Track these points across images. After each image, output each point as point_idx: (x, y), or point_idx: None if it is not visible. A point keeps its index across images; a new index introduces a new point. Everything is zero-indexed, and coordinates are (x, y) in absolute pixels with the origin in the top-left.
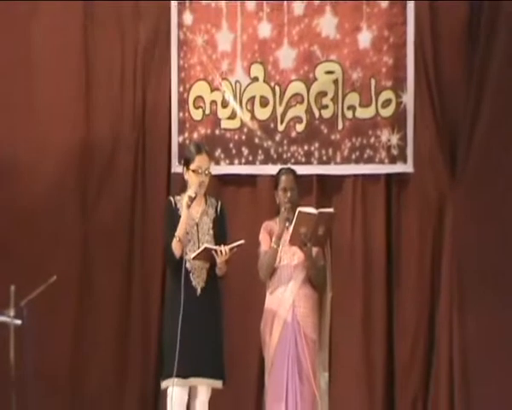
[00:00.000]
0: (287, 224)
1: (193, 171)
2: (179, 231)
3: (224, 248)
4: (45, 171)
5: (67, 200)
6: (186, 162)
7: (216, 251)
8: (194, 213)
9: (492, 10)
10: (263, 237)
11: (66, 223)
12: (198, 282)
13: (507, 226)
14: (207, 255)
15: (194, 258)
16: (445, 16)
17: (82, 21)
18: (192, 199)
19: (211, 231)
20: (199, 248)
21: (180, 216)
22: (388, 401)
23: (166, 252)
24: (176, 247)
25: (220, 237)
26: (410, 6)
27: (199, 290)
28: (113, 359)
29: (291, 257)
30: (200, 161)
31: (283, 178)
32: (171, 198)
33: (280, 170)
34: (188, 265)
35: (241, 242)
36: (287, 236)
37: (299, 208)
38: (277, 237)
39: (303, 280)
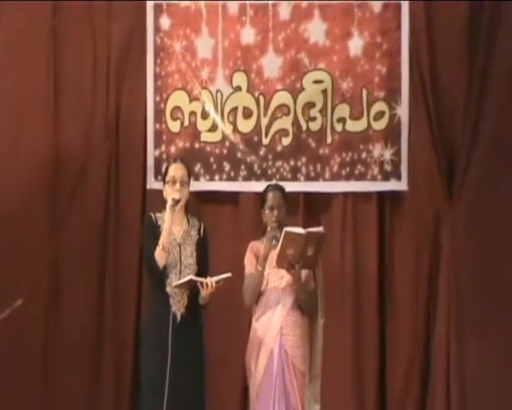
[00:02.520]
0: (273, 242)
1: (167, 183)
2: (163, 239)
3: (211, 281)
4: (11, 185)
5: (35, 215)
6: (164, 178)
7: (201, 283)
8: (176, 232)
9: (493, 16)
10: (248, 258)
11: (33, 241)
12: (178, 308)
13: (507, 247)
14: (191, 285)
15: (176, 286)
16: (442, 22)
17: (51, 23)
18: (177, 202)
19: (194, 254)
20: (181, 271)
21: (161, 233)
22: None
23: (148, 265)
24: (159, 256)
25: (203, 262)
26: (405, 10)
27: (179, 317)
28: (84, 390)
29: (278, 280)
30: (173, 170)
31: (270, 195)
32: (152, 214)
33: (267, 187)
34: (168, 289)
35: (228, 275)
36: (274, 257)
37: (286, 228)
38: (263, 259)
39: (291, 305)
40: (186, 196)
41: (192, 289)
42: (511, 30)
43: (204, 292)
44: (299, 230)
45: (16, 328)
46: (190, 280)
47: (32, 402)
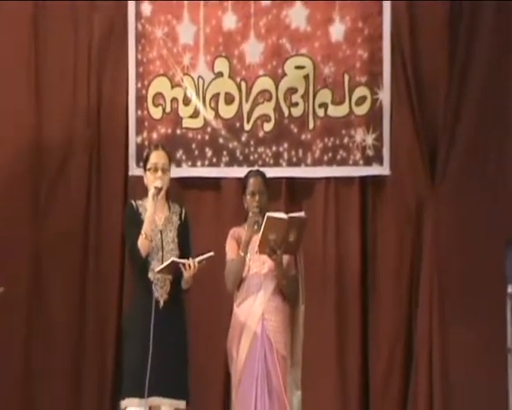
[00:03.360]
0: (255, 227)
1: (149, 170)
2: (146, 228)
3: (193, 262)
4: None
5: (16, 204)
6: (144, 165)
7: (184, 265)
8: (157, 219)
9: (474, 1)
10: (230, 244)
11: (15, 229)
12: (161, 294)
13: (490, 234)
14: (173, 269)
15: (158, 272)
16: (424, 6)
17: (31, 10)
18: (159, 190)
19: (176, 240)
20: (163, 257)
21: (143, 221)
22: None
23: (131, 254)
24: (142, 244)
25: (185, 246)
26: None
27: (162, 303)
28: (67, 376)
29: (260, 266)
30: (155, 158)
31: (251, 181)
32: (133, 202)
33: (248, 172)
34: (150, 275)
35: (211, 254)
36: (255, 242)
37: (268, 214)
38: (245, 244)
39: (273, 291)
40: (167, 183)
41: (175, 272)
42: (492, 13)
43: (187, 274)
44: (281, 215)
45: None
46: (173, 263)
47: (14, 391)
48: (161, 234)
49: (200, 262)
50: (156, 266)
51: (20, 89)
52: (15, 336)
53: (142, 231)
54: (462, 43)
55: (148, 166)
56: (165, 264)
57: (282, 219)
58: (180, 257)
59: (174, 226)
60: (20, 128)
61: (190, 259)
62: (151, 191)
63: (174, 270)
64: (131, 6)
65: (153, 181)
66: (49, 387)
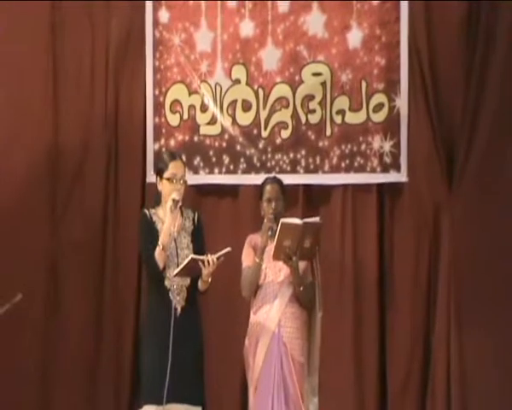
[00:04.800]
0: (269, 233)
1: (167, 179)
2: (163, 240)
3: (212, 258)
4: (10, 176)
5: (34, 210)
6: (159, 172)
7: (203, 262)
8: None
9: (492, 7)
10: (246, 251)
11: (32, 236)
12: (178, 301)
13: (507, 238)
14: (191, 268)
15: (177, 274)
16: (441, 13)
17: (49, 18)
18: (177, 202)
19: (190, 246)
20: (178, 264)
21: (157, 230)
22: None
23: (147, 264)
24: (160, 256)
25: (199, 249)
26: (404, 2)
27: (179, 310)
28: (84, 379)
29: (276, 273)
30: (174, 168)
31: (268, 188)
32: (146, 211)
33: (265, 179)
34: (166, 283)
35: (228, 249)
36: (271, 249)
37: (282, 220)
38: (260, 251)
39: (290, 298)
40: (182, 192)
41: (193, 272)
42: (509, 21)
43: (205, 270)
44: (295, 220)
45: (15, 323)
46: (191, 261)
47: (31, 399)
48: (175, 242)
49: (218, 258)
50: (172, 273)
51: (37, 95)
52: (32, 343)
53: (160, 243)
54: (480, 50)
55: (168, 175)
56: (184, 263)
57: (296, 225)
58: None
59: (188, 232)
60: (37, 134)
61: (209, 255)
62: (169, 204)
63: (192, 270)
64: (149, 13)
65: (170, 191)
66: (65, 395)
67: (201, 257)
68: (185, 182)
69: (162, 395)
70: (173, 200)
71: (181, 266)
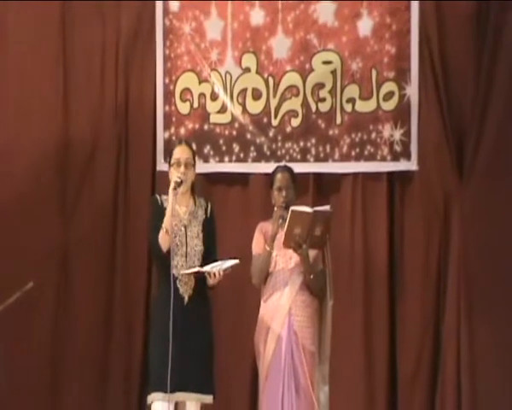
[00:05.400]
0: (280, 221)
1: (172, 165)
2: (166, 222)
3: (218, 271)
4: (21, 169)
5: (45, 201)
6: (169, 161)
7: (209, 274)
8: (181, 213)
9: None
10: (256, 239)
11: (43, 225)
12: (186, 290)
13: None
14: (197, 275)
15: (183, 275)
16: (451, 2)
17: (59, 8)
18: (179, 183)
19: (200, 235)
20: (187, 252)
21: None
22: None
23: (152, 247)
24: (162, 239)
25: (210, 242)
26: None
27: (186, 299)
28: (94, 371)
29: (287, 261)
30: (178, 153)
31: (279, 176)
32: (157, 196)
33: (276, 168)
34: (174, 271)
35: (236, 261)
36: (282, 237)
37: (292, 207)
38: (271, 239)
39: (300, 286)
40: (191, 177)
41: (199, 278)
42: None
43: (211, 281)
44: (305, 208)
45: (26, 311)
46: (197, 271)
47: (40, 391)
48: (185, 229)
49: (224, 271)
50: (180, 262)
51: (47, 86)
52: (43, 332)
53: (163, 226)
54: (490, 37)
55: (172, 161)
56: (190, 271)
57: (306, 213)
58: (204, 252)
59: (199, 221)
60: (48, 126)
61: (216, 268)
62: (171, 185)
63: (198, 276)
64: (159, 2)
65: (175, 176)
66: (76, 386)
67: (207, 270)
68: (190, 164)
69: (172, 384)
70: (175, 181)
71: (186, 272)
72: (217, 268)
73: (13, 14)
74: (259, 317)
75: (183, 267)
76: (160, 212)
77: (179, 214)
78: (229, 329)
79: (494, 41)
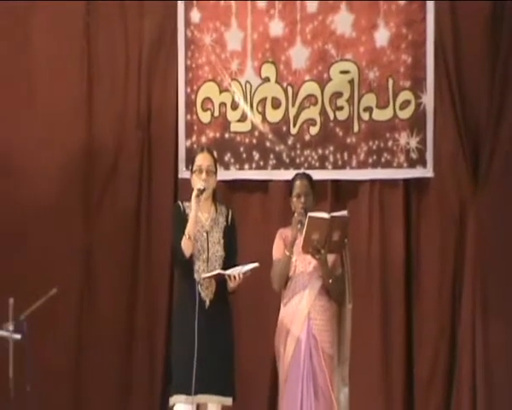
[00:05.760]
0: (299, 227)
1: (194, 172)
2: (189, 229)
3: (238, 274)
4: (47, 174)
5: (69, 207)
6: (191, 168)
7: (230, 276)
8: (203, 220)
9: None
10: (277, 244)
11: (67, 231)
12: (207, 294)
13: None
14: (218, 278)
15: (204, 278)
16: (466, 13)
17: (84, 19)
18: (201, 191)
19: (221, 241)
20: (208, 258)
21: (188, 221)
22: None
23: (175, 253)
24: (185, 245)
25: (230, 248)
26: (430, 2)
27: (207, 303)
28: (117, 375)
29: (306, 265)
30: (199, 160)
31: (298, 183)
32: (180, 203)
33: (295, 175)
34: (196, 276)
35: (256, 265)
36: (301, 242)
37: (310, 213)
38: (290, 245)
39: (319, 290)
40: (213, 184)
41: (220, 280)
42: None
43: (232, 284)
44: (322, 214)
45: (51, 316)
46: (217, 274)
47: (65, 388)
48: (207, 235)
49: (245, 274)
50: (201, 267)
51: (73, 94)
52: (67, 332)
53: (186, 232)
54: (504, 48)
55: (194, 168)
56: (211, 274)
57: (324, 219)
58: (225, 258)
59: (220, 228)
60: (73, 133)
61: (236, 271)
62: (194, 193)
63: (219, 279)
64: (181, 13)
65: (197, 183)
66: (99, 383)
67: (228, 272)
68: (211, 171)
69: (191, 386)
70: (198, 189)
71: (207, 275)
72: (237, 271)
73: (39, 26)
74: (279, 320)
75: (205, 272)
76: (182, 218)
77: (201, 221)
78: (250, 333)
79: (508, 51)
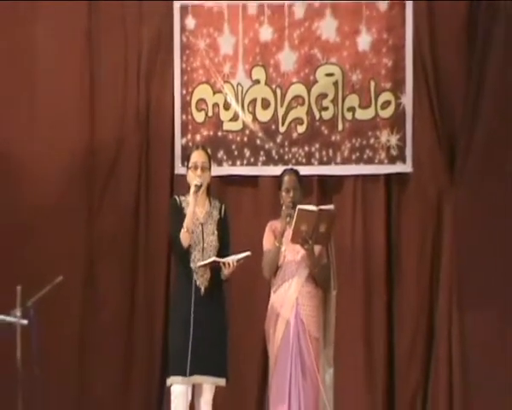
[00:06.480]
0: (288, 219)
1: (190, 168)
2: (187, 222)
3: (232, 261)
4: (50, 172)
5: (72, 201)
6: (187, 164)
7: (224, 263)
8: (198, 213)
9: (490, 11)
10: (267, 235)
11: (71, 224)
12: (202, 281)
13: (506, 225)
14: (213, 265)
15: (200, 266)
16: (443, 18)
17: (86, 24)
18: (199, 187)
19: (215, 232)
20: (203, 248)
21: (185, 215)
22: (389, 393)
23: (173, 244)
24: (184, 237)
25: (224, 239)
26: (409, 9)
27: (203, 290)
28: (119, 357)
29: (295, 254)
30: (195, 157)
31: (286, 178)
32: (176, 197)
33: (283, 171)
34: (192, 265)
35: (248, 253)
36: (290, 233)
37: (299, 206)
38: (280, 236)
39: (306, 278)
40: (207, 179)
41: (214, 268)
42: (507, 25)
43: (226, 271)
44: (311, 207)
45: (57, 304)
46: (213, 262)
47: (70, 371)
48: (202, 227)
49: (238, 261)
50: (197, 257)
51: (75, 95)
52: (71, 321)
53: (184, 225)
54: (479, 51)
55: (190, 164)
56: (207, 262)
57: (312, 211)
58: (219, 249)
59: (214, 220)
60: (75, 132)
61: (230, 257)
62: (192, 189)
63: (214, 266)
64: (177, 20)
65: (193, 179)
66: (101, 365)
67: (223, 260)
68: (206, 167)
69: (190, 368)
70: (195, 185)
71: (203, 263)
72: (231, 259)
73: (42, 31)
74: (270, 305)
75: (200, 261)
76: (179, 212)
77: (196, 214)
78: (242, 318)
79: (482, 52)
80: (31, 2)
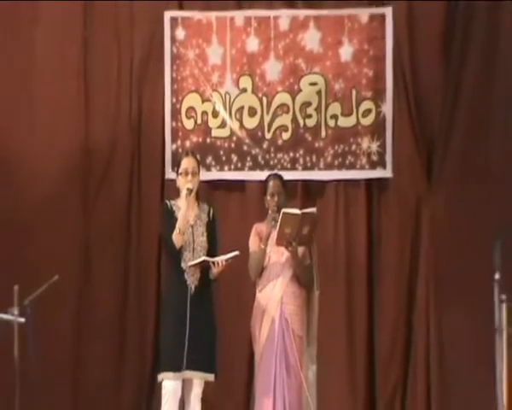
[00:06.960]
0: (273, 223)
1: (180, 174)
2: (179, 224)
3: (221, 260)
4: (47, 173)
5: (68, 201)
6: (177, 170)
7: (214, 262)
8: (188, 216)
9: (466, 23)
10: (252, 238)
11: (66, 224)
12: (192, 281)
13: (480, 229)
14: (203, 265)
15: (191, 266)
16: (421, 31)
17: (81, 32)
18: (191, 191)
19: (204, 234)
20: (194, 249)
21: (176, 218)
22: (370, 389)
23: (166, 245)
24: (176, 238)
25: (212, 241)
26: (389, 21)
27: (192, 289)
28: (112, 354)
29: (279, 256)
30: (185, 164)
31: (271, 183)
32: (167, 201)
33: (268, 176)
34: (183, 264)
35: (236, 253)
36: (275, 236)
37: (283, 210)
38: (265, 238)
39: (291, 278)
40: (197, 184)
41: (204, 267)
42: (483, 36)
43: (215, 270)
44: (294, 210)
45: (53, 299)
46: (203, 261)
47: (65, 365)
48: (192, 229)
49: (227, 260)
50: (188, 257)
51: (71, 102)
52: (67, 317)
53: (177, 227)
54: (456, 62)
55: (180, 170)
56: (197, 261)
57: (295, 215)
58: (208, 250)
59: (203, 223)
60: (71, 136)
61: (219, 258)
62: (183, 192)
63: (204, 266)
64: (167, 31)
65: (184, 184)
66: (95, 361)
67: (212, 259)
68: (195, 173)
69: (178, 364)
70: (187, 189)
71: (194, 262)
72: (220, 258)
73: (40, 38)
74: (255, 304)
75: (191, 261)
76: (170, 215)
77: (187, 216)
78: (230, 316)
79: (459, 65)
80: (31, 2)
